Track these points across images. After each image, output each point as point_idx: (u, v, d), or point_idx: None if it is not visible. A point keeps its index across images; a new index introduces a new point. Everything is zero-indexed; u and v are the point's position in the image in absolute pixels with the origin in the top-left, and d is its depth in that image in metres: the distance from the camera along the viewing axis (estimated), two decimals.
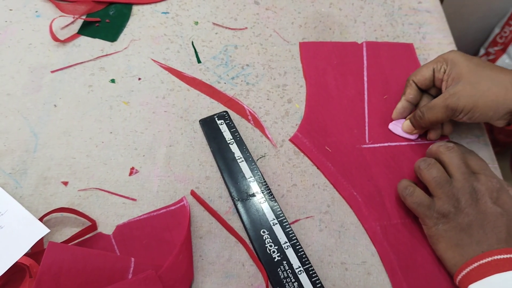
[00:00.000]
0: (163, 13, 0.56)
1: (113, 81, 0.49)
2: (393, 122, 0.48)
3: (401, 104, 0.46)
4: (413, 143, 0.46)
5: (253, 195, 0.41)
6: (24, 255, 0.35)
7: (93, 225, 0.39)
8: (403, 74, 0.52)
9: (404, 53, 0.54)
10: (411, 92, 0.46)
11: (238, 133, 0.45)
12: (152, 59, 0.51)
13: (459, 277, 0.36)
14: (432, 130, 0.46)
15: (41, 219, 0.38)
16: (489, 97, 0.40)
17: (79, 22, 0.54)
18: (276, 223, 0.40)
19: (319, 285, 0.37)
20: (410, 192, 0.39)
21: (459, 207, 0.37)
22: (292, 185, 0.43)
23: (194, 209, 0.41)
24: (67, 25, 0.53)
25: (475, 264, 0.35)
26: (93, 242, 0.38)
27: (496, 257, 0.34)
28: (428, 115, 0.43)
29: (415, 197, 0.39)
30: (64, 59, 0.50)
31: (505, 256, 0.34)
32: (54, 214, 0.39)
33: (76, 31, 0.53)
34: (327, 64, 0.52)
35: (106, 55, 0.51)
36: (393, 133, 0.47)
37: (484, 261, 0.34)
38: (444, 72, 0.43)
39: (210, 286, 0.37)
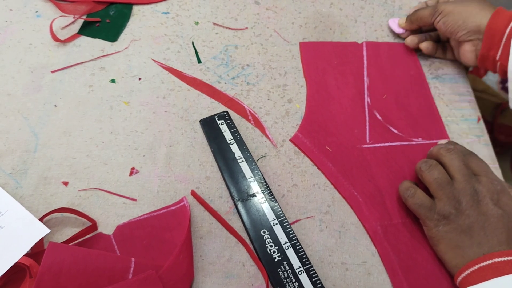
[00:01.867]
0: (163, 13, 0.56)
1: (113, 81, 0.49)
2: (393, 18, 0.57)
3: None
4: (414, 143, 0.46)
5: (254, 195, 0.41)
6: (24, 255, 0.35)
7: (94, 225, 0.39)
8: (403, 74, 0.52)
9: (404, 53, 0.54)
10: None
11: (239, 133, 0.45)
12: (153, 59, 0.51)
13: (460, 278, 0.36)
14: (412, 35, 0.54)
15: (41, 219, 0.38)
16: (465, 7, 0.47)
17: (80, 22, 0.54)
18: (277, 223, 0.40)
19: (320, 285, 0.37)
20: (411, 194, 0.39)
21: (460, 209, 0.37)
22: (292, 185, 0.43)
23: (195, 209, 0.41)
24: (68, 25, 0.53)
25: (476, 267, 0.35)
26: (94, 242, 0.38)
27: (496, 259, 0.34)
28: (419, 11, 0.52)
29: (416, 198, 0.39)
30: (65, 59, 0.50)
31: (505, 258, 0.34)
32: (54, 214, 0.39)
33: (77, 31, 0.53)
34: (327, 64, 0.52)
35: (107, 55, 0.51)
36: (389, 27, 0.56)
37: (484, 263, 0.34)
38: None
39: (210, 286, 0.37)
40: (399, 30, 0.55)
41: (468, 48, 0.49)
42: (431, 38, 0.54)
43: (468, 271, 0.35)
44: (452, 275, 0.37)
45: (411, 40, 0.53)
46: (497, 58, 0.45)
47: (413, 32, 0.55)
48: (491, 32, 0.45)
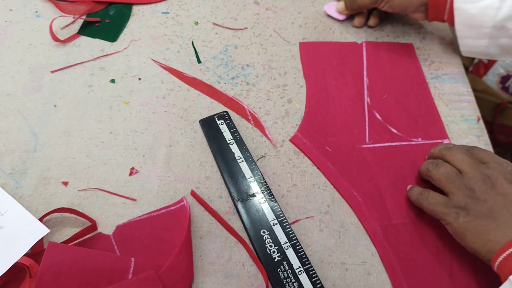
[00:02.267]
0: (163, 13, 0.56)
1: (113, 81, 0.49)
2: (329, 4, 0.57)
3: None
4: (413, 143, 0.46)
5: (253, 195, 0.41)
6: (24, 255, 0.35)
7: (93, 225, 0.39)
8: (402, 74, 0.52)
9: (404, 53, 0.54)
10: None
11: (238, 133, 0.45)
12: (152, 59, 0.51)
13: (497, 263, 0.35)
14: (357, 16, 0.56)
15: (41, 219, 0.38)
16: None
17: (79, 22, 0.54)
18: (276, 223, 0.40)
19: (319, 285, 0.37)
20: (425, 196, 0.39)
21: (475, 196, 0.37)
22: (292, 185, 0.43)
23: (194, 209, 0.41)
24: (67, 25, 0.53)
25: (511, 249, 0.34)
26: (93, 242, 0.38)
27: None
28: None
29: (431, 198, 0.39)
30: (64, 59, 0.50)
31: None
32: (54, 214, 0.39)
33: (76, 31, 0.53)
34: (327, 64, 0.52)
35: (106, 55, 0.51)
36: (327, 14, 0.57)
37: None
38: None
39: (210, 286, 0.37)
40: (340, 17, 0.56)
41: (417, 16, 0.53)
42: (372, 10, 0.57)
43: (504, 255, 0.34)
44: (488, 263, 0.36)
45: (359, 22, 0.56)
46: (445, 18, 0.51)
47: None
48: (434, 5, 0.50)
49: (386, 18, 0.58)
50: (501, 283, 0.34)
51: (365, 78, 0.51)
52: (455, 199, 0.37)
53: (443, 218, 0.38)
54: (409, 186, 0.43)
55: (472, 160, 0.39)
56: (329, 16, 0.57)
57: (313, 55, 0.53)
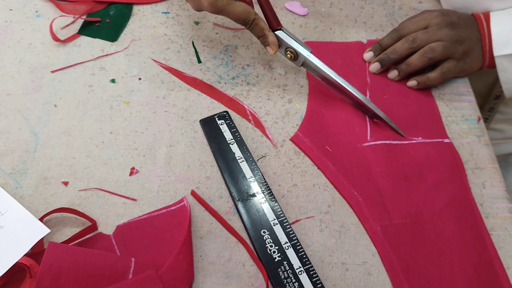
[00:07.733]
0: (163, 13, 0.56)
1: (113, 81, 0.49)
2: (289, 2, 0.58)
3: None
4: (414, 142, 0.46)
5: (254, 195, 0.41)
6: (24, 255, 0.35)
7: (93, 225, 0.39)
8: None
9: None
10: None
11: (239, 133, 0.45)
12: (153, 59, 0.51)
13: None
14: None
15: (41, 219, 0.38)
16: None
17: (80, 22, 0.54)
18: (277, 223, 0.40)
19: (320, 285, 0.37)
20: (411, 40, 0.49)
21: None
22: (292, 185, 0.43)
23: (195, 209, 0.41)
24: (68, 25, 0.53)
25: None
26: (94, 242, 0.38)
27: None
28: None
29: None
30: (65, 59, 0.50)
31: None
32: (54, 214, 0.39)
33: (77, 31, 0.53)
34: (332, 64, 0.52)
35: (107, 55, 0.51)
36: (288, 10, 0.57)
37: None
38: None
39: (210, 286, 0.37)
40: (302, 12, 0.57)
41: None
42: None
43: None
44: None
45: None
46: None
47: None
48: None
49: (386, 19, 0.58)
50: None
51: (367, 78, 0.51)
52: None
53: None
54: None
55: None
56: (291, 11, 0.58)
57: (318, 55, 0.52)
